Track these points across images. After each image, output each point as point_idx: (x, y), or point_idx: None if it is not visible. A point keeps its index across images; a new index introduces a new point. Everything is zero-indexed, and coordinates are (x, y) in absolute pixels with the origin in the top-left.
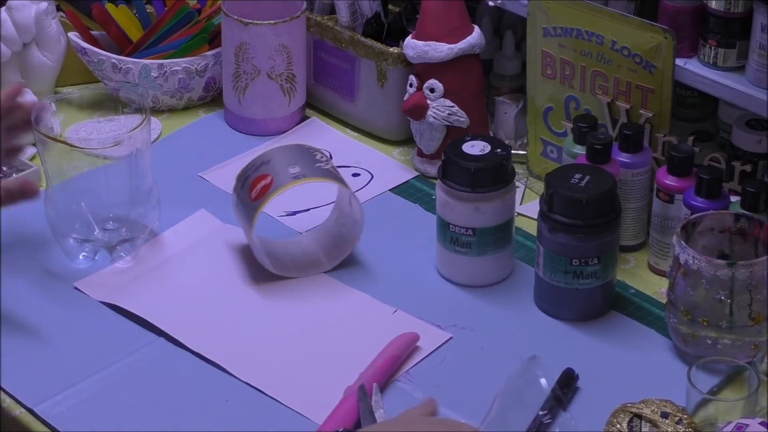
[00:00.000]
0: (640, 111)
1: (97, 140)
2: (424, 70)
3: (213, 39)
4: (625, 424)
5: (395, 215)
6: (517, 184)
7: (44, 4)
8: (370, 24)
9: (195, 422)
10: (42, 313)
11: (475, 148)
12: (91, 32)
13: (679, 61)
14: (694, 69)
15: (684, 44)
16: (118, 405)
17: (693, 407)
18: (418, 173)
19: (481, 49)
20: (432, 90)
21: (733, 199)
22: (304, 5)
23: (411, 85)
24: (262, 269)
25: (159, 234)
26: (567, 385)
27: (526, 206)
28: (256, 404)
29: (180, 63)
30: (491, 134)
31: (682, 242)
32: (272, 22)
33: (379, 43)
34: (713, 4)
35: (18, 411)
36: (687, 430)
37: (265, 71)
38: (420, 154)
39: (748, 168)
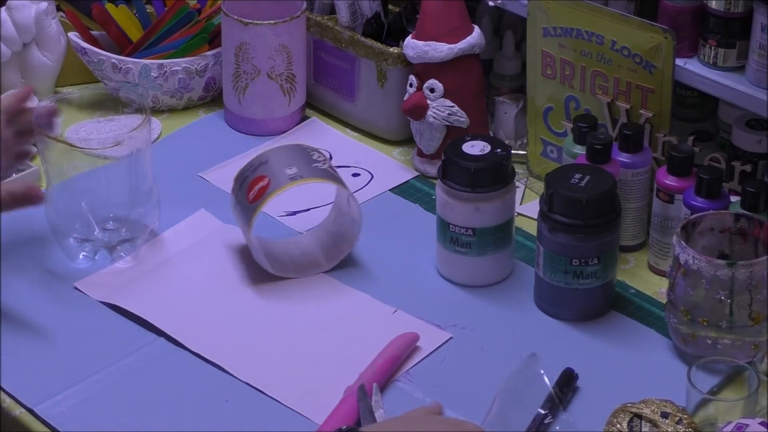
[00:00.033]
0: (640, 111)
1: (98, 140)
2: (424, 70)
3: (213, 39)
4: (625, 424)
5: (395, 215)
6: (517, 184)
7: (44, 4)
8: (370, 24)
9: (195, 422)
10: (42, 313)
11: (475, 148)
12: (91, 32)
13: (679, 61)
14: (694, 69)
15: (684, 44)
16: (118, 405)
17: (693, 407)
18: (418, 173)
19: (481, 49)
20: (432, 90)
21: (733, 199)
22: (304, 5)
23: (411, 85)
24: (261, 269)
25: (159, 234)
26: (567, 384)
27: (526, 206)
28: (256, 404)
29: (180, 63)
30: (491, 134)
31: (682, 242)
32: (272, 22)
33: (379, 43)
34: (713, 4)
35: (18, 411)
36: (687, 430)
37: (265, 71)
38: (420, 154)
39: (748, 168)
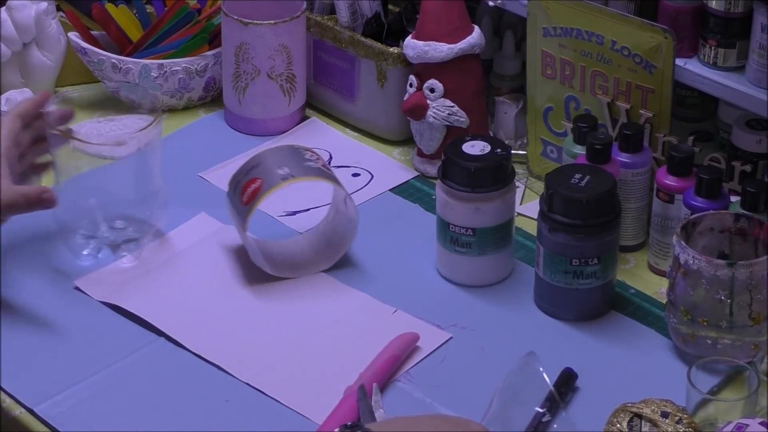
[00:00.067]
0: (640, 111)
1: (109, 137)
2: (424, 70)
3: (213, 39)
4: (625, 424)
5: (395, 215)
6: (517, 184)
7: (44, 4)
8: (370, 24)
9: (195, 422)
10: (42, 312)
11: (475, 148)
12: (91, 32)
13: (679, 61)
14: (694, 69)
15: (684, 44)
16: (118, 405)
17: (693, 407)
18: (418, 173)
19: (481, 49)
20: (432, 90)
21: (733, 199)
22: (304, 5)
23: (411, 85)
24: (261, 270)
25: (165, 234)
26: (566, 384)
27: (526, 206)
28: (256, 404)
29: (180, 63)
30: (491, 134)
31: (682, 242)
32: (272, 22)
33: (379, 43)
34: (713, 4)
35: (18, 411)
36: (687, 429)
37: (265, 71)
38: (420, 154)
39: (748, 168)
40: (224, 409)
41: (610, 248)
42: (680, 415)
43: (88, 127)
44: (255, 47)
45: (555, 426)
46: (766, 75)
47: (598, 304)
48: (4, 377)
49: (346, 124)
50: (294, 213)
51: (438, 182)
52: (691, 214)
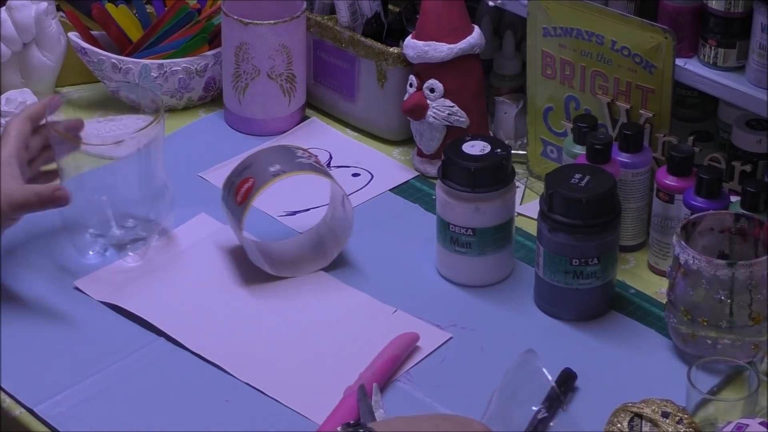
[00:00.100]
0: (640, 111)
1: (109, 137)
2: (424, 70)
3: (213, 39)
4: (625, 424)
5: (395, 215)
6: (517, 184)
7: (44, 4)
8: (370, 24)
9: (195, 422)
10: (42, 312)
11: (475, 148)
12: (91, 32)
13: (679, 61)
14: (694, 69)
15: (684, 44)
16: (118, 405)
17: (693, 407)
18: (418, 173)
19: (481, 49)
20: (432, 90)
21: (733, 199)
22: (304, 5)
23: (411, 85)
24: (261, 270)
25: (170, 234)
26: (565, 384)
27: (526, 206)
28: (256, 404)
29: (180, 63)
30: (491, 134)
31: (682, 242)
32: (272, 22)
33: (379, 43)
34: (713, 4)
35: (18, 411)
36: (687, 429)
37: (265, 71)
38: (420, 154)
39: (748, 168)
40: (224, 409)
41: (610, 248)
42: (681, 415)
43: (88, 127)
44: (255, 47)
45: (555, 426)
46: (766, 75)
47: (598, 304)
48: (4, 377)
49: (346, 124)
50: (294, 213)
51: (438, 182)
52: (691, 214)
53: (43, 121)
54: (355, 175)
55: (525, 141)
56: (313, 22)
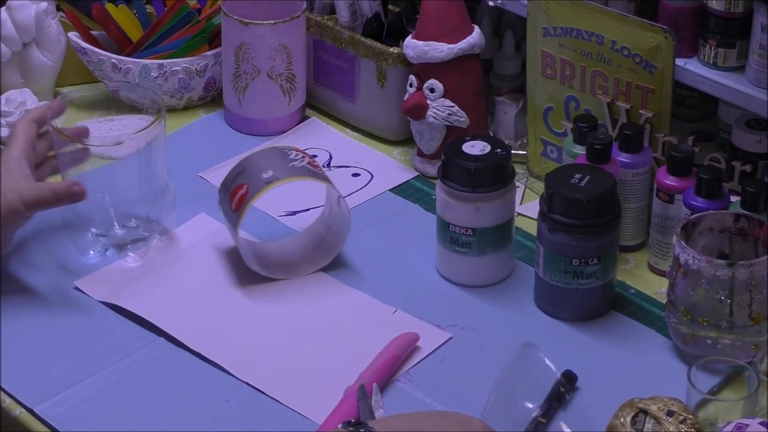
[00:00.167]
0: (640, 111)
1: (109, 137)
2: (424, 70)
3: (213, 39)
4: (629, 418)
5: (395, 215)
6: (517, 184)
7: (44, 4)
8: (370, 24)
9: (195, 422)
10: (42, 312)
11: (475, 148)
12: (91, 32)
13: (679, 61)
14: (694, 69)
15: (684, 44)
16: (118, 405)
17: (693, 407)
18: (418, 173)
19: (481, 49)
20: (432, 90)
21: (733, 199)
22: (304, 5)
23: (411, 85)
24: None
25: (170, 233)
26: (565, 385)
27: (526, 206)
28: (256, 404)
29: (180, 63)
30: (491, 134)
31: (682, 242)
32: (272, 22)
33: (379, 43)
34: (713, 4)
35: (18, 411)
36: (689, 430)
37: (265, 71)
38: (420, 154)
39: (748, 168)
40: (224, 409)
41: (610, 248)
42: (685, 415)
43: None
44: (255, 47)
45: (554, 426)
46: (766, 75)
47: (598, 304)
48: (4, 377)
49: (346, 124)
50: (294, 213)
51: (438, 182)
52: (691, 214)
53: (46, 128)
54: (355, 175)
55: (525, 141)
56: (313, 22)
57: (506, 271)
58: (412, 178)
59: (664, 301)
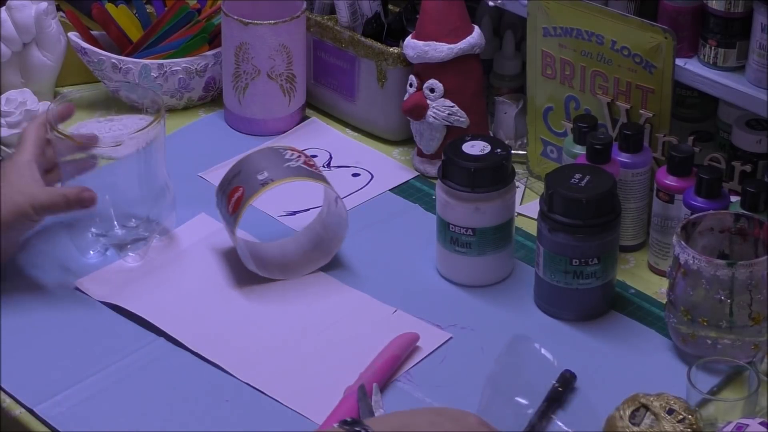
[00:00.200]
0: (640, 111)
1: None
2: (424, 70)
3: (213, 39)
4: (628, 412)
5: (395, 215)
6: (517, 184)
7: (44, 4)
8: (370, 24)
9: (195, 422)
10: (42, 312)
11: (475, 148)
12: (91, 32)
13: (679, 61)
14: (694, 69)
15: (684, 44)
16: (118, 405)
17: (693, 407)
18: (418, 173)
19: (481, 49)
20: (432, 90)
21: (733, 199)
22: (304, 5)
23: (411, 85)
24: None
25: (172, 233)
26: (564, 385)
27: (526, 206)
28: (256, 404)
29: (180, 63)
30: (491, 134)
31: (682, 242)
32: (272, 22)
33: (379, 43)
34: (713, 4)
35: (18, 411)
36: (685, 430)
37: (265, 71)
38: (420, 154)
39: (748, 168)
40: (224, 409)
41: (610, 248)
42: (685, 414)
43: (88, 127)
44: (255, 47)
45: (554, 426)
46: (766, 75)
47: (598, 304)
48: (4, 377)
49: (346, 124)
50: (294, 213)
51: (438, 182)
52: (691, 214)
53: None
54: (355, 175)
55: (525, 141)
56: (313, 22)
57: (506, 271)
58: (412, 178)
59: (664, 301)
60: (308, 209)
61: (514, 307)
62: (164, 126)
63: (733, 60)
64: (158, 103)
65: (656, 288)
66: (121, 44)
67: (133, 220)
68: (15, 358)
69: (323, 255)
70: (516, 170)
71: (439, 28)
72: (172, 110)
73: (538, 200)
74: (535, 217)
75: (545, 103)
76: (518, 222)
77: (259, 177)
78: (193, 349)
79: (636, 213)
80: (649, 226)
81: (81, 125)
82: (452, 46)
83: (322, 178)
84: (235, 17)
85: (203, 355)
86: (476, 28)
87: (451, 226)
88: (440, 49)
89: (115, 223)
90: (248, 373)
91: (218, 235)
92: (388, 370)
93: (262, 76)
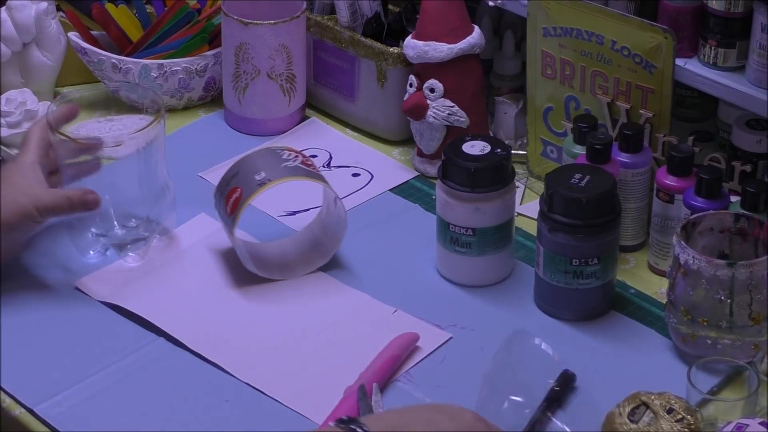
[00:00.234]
0: (640, 111)
1: (108, 137)
2: (424, 70)
3: (213, 39)
4: (628, 410)
5: (395, 215)
6: (517, 184)
7: (44, 4)
8: (370, 24)
9: (195, 422)
10: (42, 312)
11: (475, 148)
12: (91, 32)
13: (679, 61)
14: (694, 69)
15: (684, 44)
16: (118, 405)
17: (693, 407)
18: (418, 173)
19: (481, 49)
20: (432, 90)
21: (733, 199)
22: (304, 5)
23: (411, 85)
24: None
25: (172, 233)
26: (564, 385)
27: (526, 206)
28: (256, 404)
29: (180, 63)
30: (491, 134)
31: (682, 242)
32: (272, 22)
33: (379, 43)
34: (713, 4)
35: (18, 411)
36: (684, 430)
37: (265, 71)
38: (420, 154)
39: (748, 168)
40: (224, 409)
41: (610, 248)
42: (684, 414)
43: (88, 127)
44: (255, 47)
45: (553, 425)
46: (766, 75)
47: (598, 304)
48: (4, 377)
49: (346, 124)
50: (294, 213)
51: (438, 182)
52: (691, 214)
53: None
54: (355, 175)
55: (525, 141)
56: (313, 22)
57: (506, 271)
58: (412, 178)
59: (664, 301)
60: (308, 209)
61: (514, 307)
62: (164, 126)
63: (733, 60)
64: (158, 103)
65: (656, 288)
66: (121, 44)
67: (133, 220)
68: (15, 358)
69: (322, 255)
70: (516, 170)
71: (439, 28)
72: (172, 110)
73: (538, 200)
74: (535, 217)
75: (545, 103)
76: (518, 222)
77: (257, 177)
78: (193, 349)
79: (636, 213)
80: (649, 226)
81: (81, 125)
82: (452, 46)
83: (320, 178)
84: (235, 17)
85: (203, 355)
86: (476, 28)
87: (451, 226)
88: (440, 49)
89: (115, 223)
90: (248, 373)
91: (218, 235)
92: (388, 370)
93: (262, 76)
